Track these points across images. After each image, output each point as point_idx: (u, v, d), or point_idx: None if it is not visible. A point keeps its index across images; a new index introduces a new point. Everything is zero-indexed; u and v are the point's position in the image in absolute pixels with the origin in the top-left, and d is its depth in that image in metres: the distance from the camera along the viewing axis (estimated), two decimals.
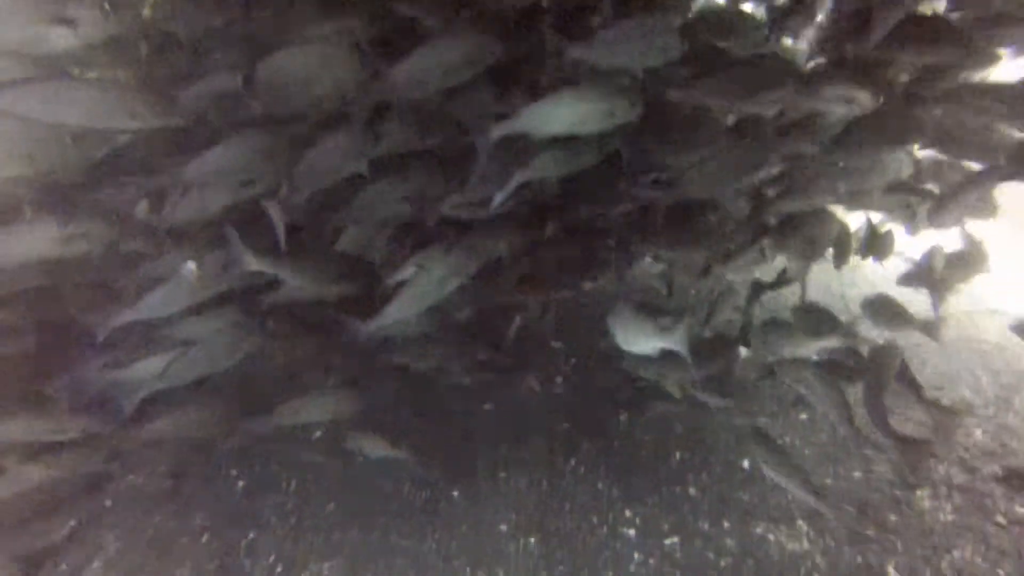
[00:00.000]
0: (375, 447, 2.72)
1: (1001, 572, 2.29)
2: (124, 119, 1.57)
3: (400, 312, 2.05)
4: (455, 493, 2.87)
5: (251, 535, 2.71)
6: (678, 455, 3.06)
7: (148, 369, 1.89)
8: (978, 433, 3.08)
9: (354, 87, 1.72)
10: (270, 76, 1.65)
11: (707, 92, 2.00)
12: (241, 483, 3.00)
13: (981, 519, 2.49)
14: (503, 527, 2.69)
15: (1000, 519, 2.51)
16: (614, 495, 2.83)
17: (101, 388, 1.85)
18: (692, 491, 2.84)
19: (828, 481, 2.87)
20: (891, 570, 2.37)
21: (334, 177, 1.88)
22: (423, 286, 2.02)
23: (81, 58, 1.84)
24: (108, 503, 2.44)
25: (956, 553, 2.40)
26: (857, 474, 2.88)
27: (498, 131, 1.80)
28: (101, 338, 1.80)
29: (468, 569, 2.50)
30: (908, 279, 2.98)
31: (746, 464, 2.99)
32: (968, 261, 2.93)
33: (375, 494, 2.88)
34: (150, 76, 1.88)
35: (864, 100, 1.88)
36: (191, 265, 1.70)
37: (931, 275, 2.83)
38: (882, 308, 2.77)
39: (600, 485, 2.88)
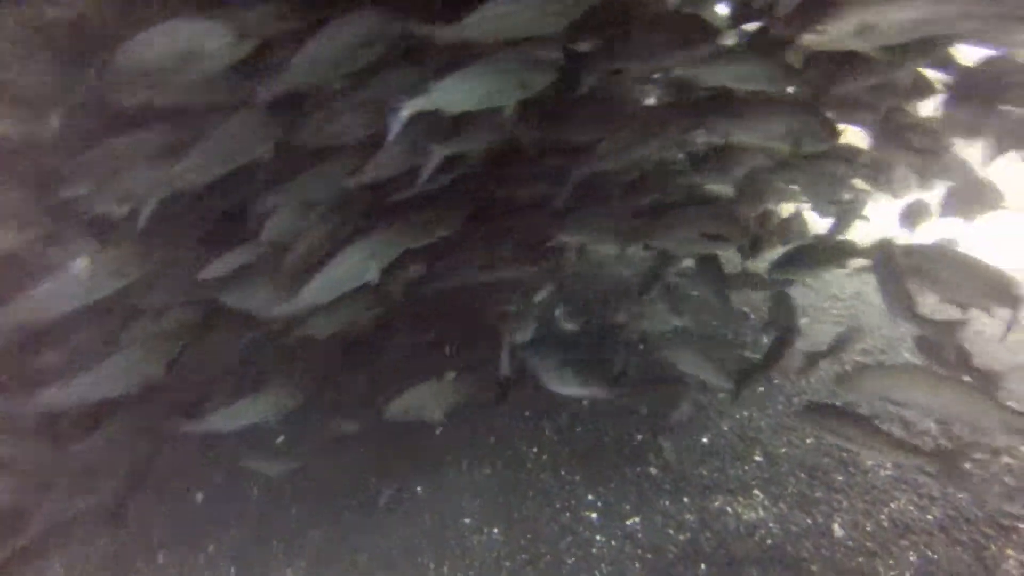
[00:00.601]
0: (272, 466, 2.70)
1: (930, 516, 2.44)
2: None
3: (315, 296, 2.01)
4: (418, 488, 2.87)
5: (210, 548, 2.65)
6: (640, 436, 3.11)
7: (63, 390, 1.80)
8: None
9: (231, 70, 1.66)
10: (130, 62, 1.56)
11: (620, 55, 1.98)
12: (200, 495, 2.93)
13: (915, 472, 2.62)
14: (467, 520, 2.69)
15: (931, 470, 2.65)
16: (576, 480, 2.86)
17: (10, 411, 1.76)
18: (653, 471, 2.89)
19: (783, 450, 2.96)
20: (836, 527, 2.48)
21: (236, 162, 1.83)
22: (339, 270, 1.99)
23: None
24: (49, 530, 2.34)
25: (893, 504, 2.52)
26: (809, 440, 2.98)
27: (409, 108, 1.76)
28: None
29: (432, 564, 2.50)
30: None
31: (705, 440, 3.07)
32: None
33: (338, 493, 2.85)
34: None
35: (775, 77, 1.92)
36: (82, 260, 1.61)
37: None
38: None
39: (563, 471, 2.91)
